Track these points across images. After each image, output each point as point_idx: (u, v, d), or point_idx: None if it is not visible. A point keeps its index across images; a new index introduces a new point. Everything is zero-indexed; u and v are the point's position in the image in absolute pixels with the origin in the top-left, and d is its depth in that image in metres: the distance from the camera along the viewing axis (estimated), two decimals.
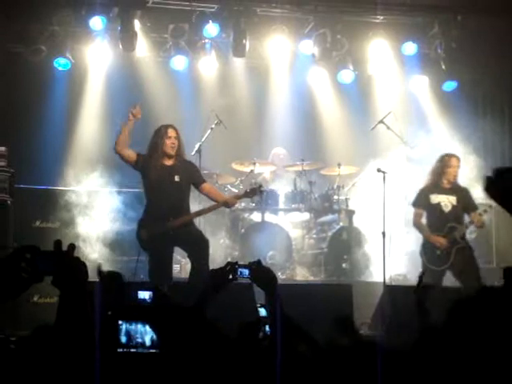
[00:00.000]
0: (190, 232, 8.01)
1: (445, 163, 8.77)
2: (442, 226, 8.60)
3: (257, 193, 8.42)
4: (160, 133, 8.02)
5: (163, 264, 7.93)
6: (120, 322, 2.49)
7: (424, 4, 10.92)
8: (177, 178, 7.95)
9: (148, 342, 2.67)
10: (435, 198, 8.71)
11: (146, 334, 2.67)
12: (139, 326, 2.64)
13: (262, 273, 3.97)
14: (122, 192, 9.68)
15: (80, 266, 2.66)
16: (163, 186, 7.93)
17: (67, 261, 2.63)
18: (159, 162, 7.96)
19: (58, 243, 2.59)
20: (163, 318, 2.76)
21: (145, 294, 3.60)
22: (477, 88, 11.78)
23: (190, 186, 8.13)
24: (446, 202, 8.67)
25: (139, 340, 2.85)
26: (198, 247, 7.97)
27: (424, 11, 11.06)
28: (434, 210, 8.68)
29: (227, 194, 10.27)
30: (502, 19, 10.60)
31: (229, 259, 10.25)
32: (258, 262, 4.01)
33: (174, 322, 2.74)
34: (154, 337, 2.53)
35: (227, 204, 8.25)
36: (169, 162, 8.01)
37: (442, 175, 8.76)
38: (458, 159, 8.85)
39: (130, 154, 7.99)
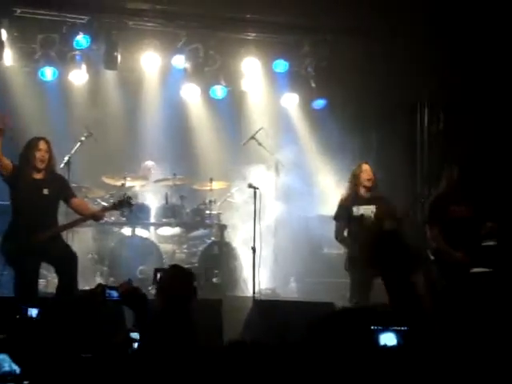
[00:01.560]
0: (57, 246, 7.85)
1: (357, 172, 8.73)
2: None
3: (125, 205, 8.35)
4: (30, 145, 7.89)
5: (29, 279, 7.72)
6: None
7: (295, 24, 11.12)
8: (46, 192, 7.83)
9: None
10: (357, 210, 8.58)
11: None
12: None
13: (130, 293, 3.98)
14: None
15: None
16: (32, 199, 7.78)
17: None
18: (29, 175, 7.83)
19: None
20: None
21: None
22: (346, 106, 12.06)
23: (59, 200, 8.03)
24: (369, 212, 8.60)
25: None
26: (65, 262, 7.83)
27: (295, 30, 11.27)
28: (356, 222, 8.49)
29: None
30: (370, 40, 10.93)
31: (98, 274, 10.11)
32: (128, 282, 4.04)
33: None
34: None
35: (95, 217, 8.16)
36: (38, 176, 7.89)
37: (360, 185, 8.69)
38: (370, 169, 8.76)
39: (7, 163, 7.77)
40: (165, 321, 3.75)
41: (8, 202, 8.10)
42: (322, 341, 2.31)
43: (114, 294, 4.07)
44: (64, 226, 8.25)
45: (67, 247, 8.09)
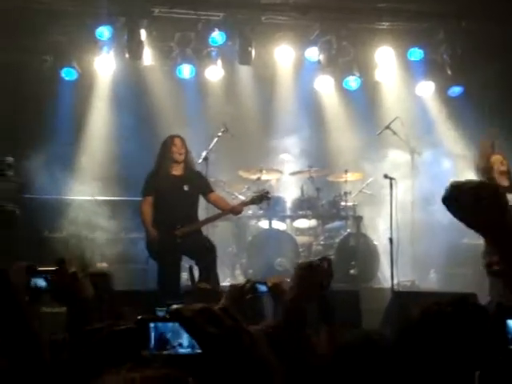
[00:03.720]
0: (197, 240, 8.09)
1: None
2: None
3: (263, 199, 8.53)
4: (167, 143, 8.25)
5: (171, 272, 7.98)
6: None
7: (429, 11, 10.91)
8: (186, 188, 8.12)
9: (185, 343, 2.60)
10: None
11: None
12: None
13: (278, 285, 4.01)
14: (130, 201, 9.68)
15: (76, 281, 2.67)
16: (173, 196, 8.07)
17: (60, 278, 2.65)
18: (169, 172, 8.14)
19: (59, 261, 2.61)
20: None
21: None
22: (483, 93, 11.76)
23: (199, 196, 8.25)
24: None
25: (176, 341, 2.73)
26: (205, 255, 8.04)
27: (429, 18, 11.05)
28: None
29: (234, 201, 10.33)
30: (506, 25, 10.60)
31: (237, 266, 10.29)
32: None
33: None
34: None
35: (234, 211, 8.37)
36: (178, 172, 8.19)
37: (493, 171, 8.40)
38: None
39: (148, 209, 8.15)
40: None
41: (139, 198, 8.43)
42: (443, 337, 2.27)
43: (264, 288, 4.11)
44: (204, 220, 8.49)
45: (207, 240, 8.30)
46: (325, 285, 3.59)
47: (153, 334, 2.46)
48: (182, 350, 2.46)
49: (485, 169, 8.35)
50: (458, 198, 2.07)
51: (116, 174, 10.64)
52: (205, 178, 8.64)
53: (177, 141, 8.18)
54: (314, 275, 3.42)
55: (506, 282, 4.63)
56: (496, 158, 8.28)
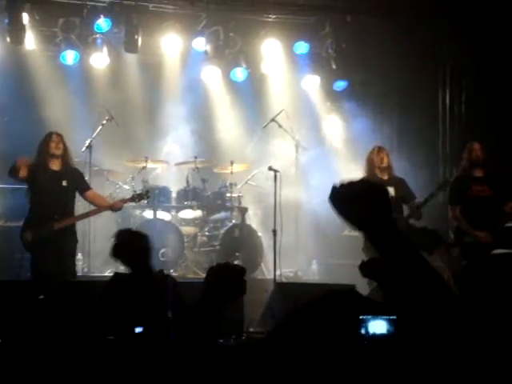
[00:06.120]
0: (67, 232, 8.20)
1: (375, 155, 8.80)
2: None
3: (143, 198, 8.76)
4: (45, 139, 8.35)
5: (44, 264, 8.01)
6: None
7: (315, 4, 11.05)
8: (64, 183, 8.27)
9: None
10: None
11: None
12: None
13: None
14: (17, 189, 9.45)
15: None
16: (52, 190, 8.18)
17: None
18: (48, 167, 8.26)
19: None
20: None
21: None
22: (367, 88, 12.00)
23: (75, 192, 8.42)
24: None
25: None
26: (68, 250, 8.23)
27: (315, 11, 11.19)
28: None
29: (117, 193, 10.25)
30: (390, 21, 10.85)
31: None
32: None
33: None
34: None
35: (113, 208, 8.53)
36: (56, 167, 8.32)
37: (375, 168, 8.78)
38: (384, 150, 8.90)
39: (25, 174, 8.12)
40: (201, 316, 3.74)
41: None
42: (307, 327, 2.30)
43: None
44: (80, 215, 8.59)
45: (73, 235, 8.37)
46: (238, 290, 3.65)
47: None
48: None
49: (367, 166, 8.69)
50: (343, 198, 2.10)
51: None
52: (82, 174, 8.71)
53: (54, 137, 8.30)
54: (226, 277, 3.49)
55: (380, 284, 4.76)
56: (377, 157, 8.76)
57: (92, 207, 8.73)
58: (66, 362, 4.42)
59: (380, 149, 8.95)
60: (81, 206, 9.04)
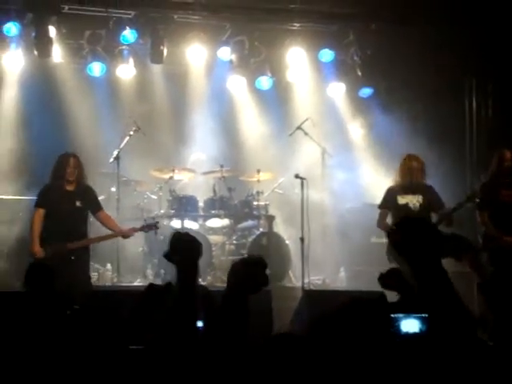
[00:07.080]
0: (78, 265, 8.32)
1: (406, 163, 8.77)
2: None
3: (152, 229, 9.01)
4: (62, 162, 8.44)
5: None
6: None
7: (339, 12, 11.06)
8: (78, 204, 8.39)
9: None
10: (402, 199, 8.74)
11: None
12: None
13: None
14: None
15: None
16: (66, 210, 8.30)
17: None
18: (62, 187, 8.37)
19: None
20: None
21: None
22: (392, 94, 11.98)
23: (89, 211, 8.57)
24: (414, 201, 8.67)
25: None
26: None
27: (339, 19, 11.21)
28: (401, 211, 8.54)
29: (146, 203, 10.33)
30: (414, 29, 10.85)
31: (149, 266, 10.22)
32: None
33: None
34: None
35: (124, 235, 8.72)
36: (70, 187, 8.41)
37: (407, 175, 8.76)
38: (418, 159, 8.86)
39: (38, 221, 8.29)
40: (228, 310, 3.79)
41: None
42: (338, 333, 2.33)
43: None
44: (94, 238, 8.75)
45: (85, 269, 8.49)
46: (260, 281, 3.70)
47: None
48: None
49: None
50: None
51: (22, 171, 10.52)
52: (95, 193, 8.78)
53: (71, 162, 8.39)
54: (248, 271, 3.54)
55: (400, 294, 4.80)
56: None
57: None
58: (98, 372, 4.46)
59: (411, 156, 8.90)
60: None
